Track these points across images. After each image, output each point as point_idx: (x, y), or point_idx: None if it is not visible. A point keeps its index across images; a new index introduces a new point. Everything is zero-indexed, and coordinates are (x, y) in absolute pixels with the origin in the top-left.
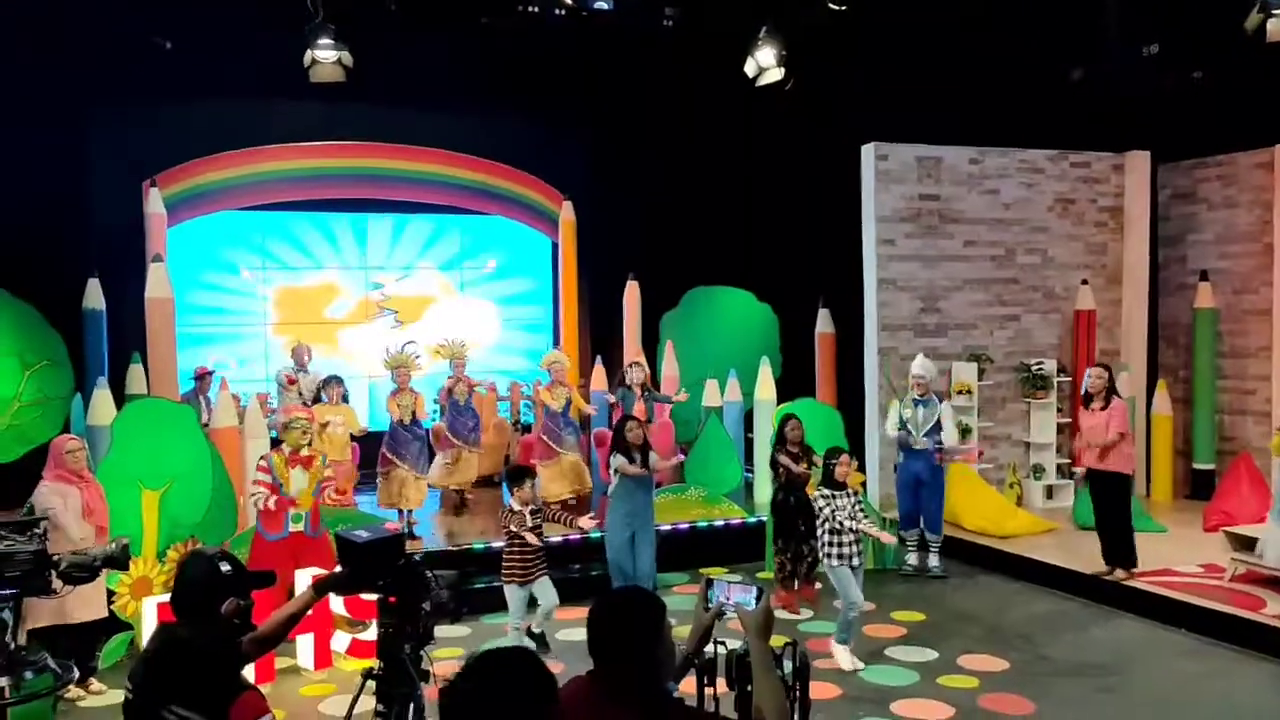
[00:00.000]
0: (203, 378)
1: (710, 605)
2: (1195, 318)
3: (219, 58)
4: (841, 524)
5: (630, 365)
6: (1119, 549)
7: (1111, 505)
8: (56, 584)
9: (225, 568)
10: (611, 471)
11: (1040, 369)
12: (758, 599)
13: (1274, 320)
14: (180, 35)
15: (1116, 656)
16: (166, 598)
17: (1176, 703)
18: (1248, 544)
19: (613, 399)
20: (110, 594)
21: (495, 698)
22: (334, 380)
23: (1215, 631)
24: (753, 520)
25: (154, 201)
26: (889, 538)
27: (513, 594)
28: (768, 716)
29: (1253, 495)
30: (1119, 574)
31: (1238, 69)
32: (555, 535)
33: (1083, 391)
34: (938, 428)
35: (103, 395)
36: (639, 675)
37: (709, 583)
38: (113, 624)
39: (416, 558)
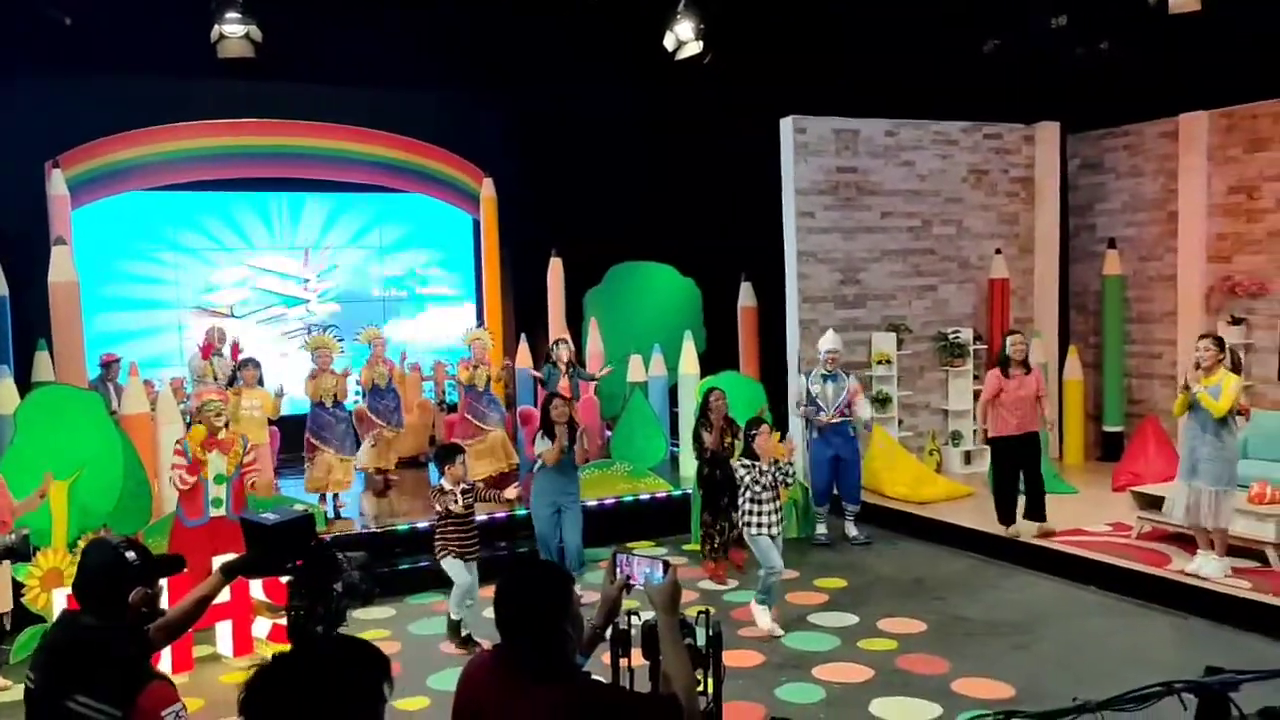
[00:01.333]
0: (109, 364)
1: (617, 579)
2: (1104, 285)
3: (122, 32)
4: (759, 494)
5: (555, 342)
6: (1041, 504)
7: (1035, 463)
8: None
9: (130, 555)
10: (536, 453)
11: (957, 337)
12: (664, 572)
13: (1178, 286)
14: (80, 9)
15: (1029, 614)
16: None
17: (1085, 657)
18: (1154, 503)
19: (538, 374)
20: (20, 586)
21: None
22: (249, 363)
23: (1123, 588)
24: (678, 494)
25: (56, 183)
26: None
27: (453, 566)
28: (676, 688)
29: (1159, 456)
30: (1038, 529)
31: (1142, 41)
32: (482, 514)
33: (1006, 358)
34: (847, 405)
35: (6, 384)
36: (546, 649)
37: (614, 557)
38: (23, 617)
39: (327, 539)
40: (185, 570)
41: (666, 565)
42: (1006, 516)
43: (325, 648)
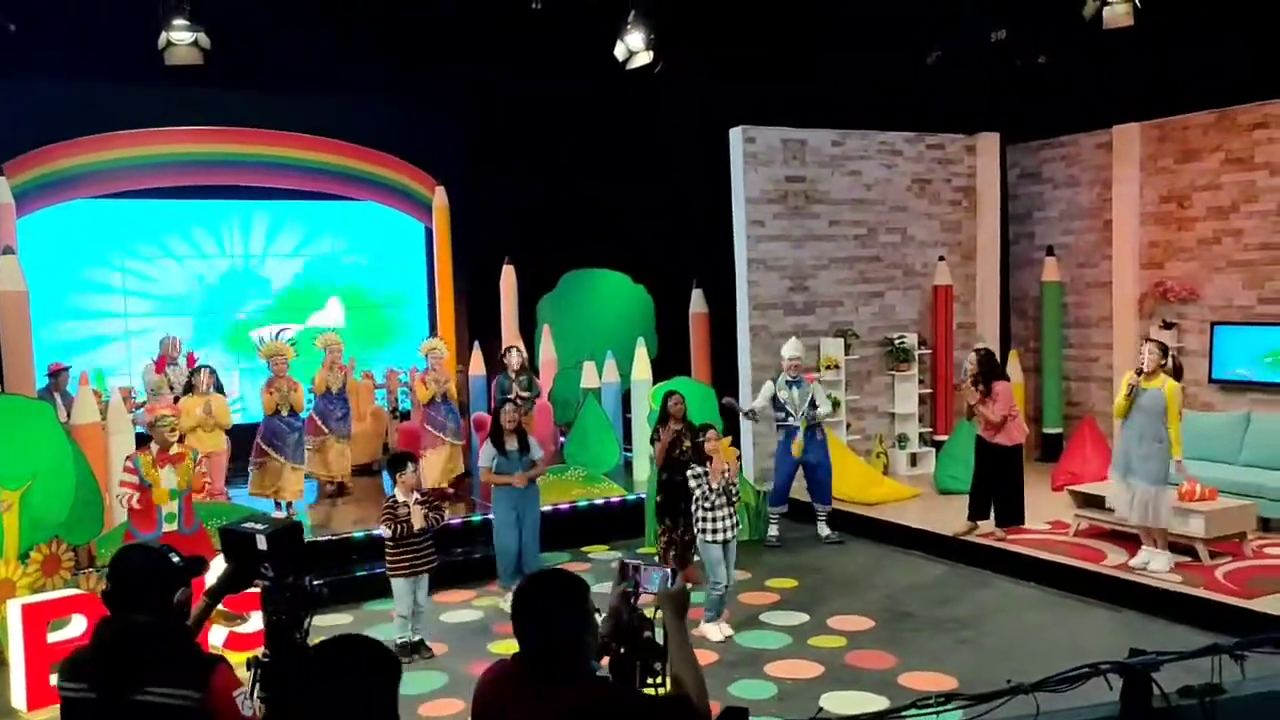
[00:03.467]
0: (57, 374)
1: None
2: (1043, 291)
3: (69, 38)
4: (713, 500)
5: (508, 349)
6: (1009, 511)
7: (1000, 473)
8: None
9: (175, 559)
10: (481, 464)
11: (903, 343)
12: (672, 578)
13: (1113, 292)
14: (26, 14)
15: (973, 610)
16: (33, 599)
17: (1025, 649)
18: (1092, 501)
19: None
20: None
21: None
22: (204, 369)
23: (1061, 583)
24: (632, 498)
25: (1, 191)
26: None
27: (398, 587)
28: (688, 690)
29: (1095, 456)
30: (997, 533)
31: (1078, 55)
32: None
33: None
34: (812, 405)
35: None
36: (565, 657)
37: (622, 566)
38: None
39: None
40: (208, 571)
41: (674, 572)
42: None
43: (360, 642)
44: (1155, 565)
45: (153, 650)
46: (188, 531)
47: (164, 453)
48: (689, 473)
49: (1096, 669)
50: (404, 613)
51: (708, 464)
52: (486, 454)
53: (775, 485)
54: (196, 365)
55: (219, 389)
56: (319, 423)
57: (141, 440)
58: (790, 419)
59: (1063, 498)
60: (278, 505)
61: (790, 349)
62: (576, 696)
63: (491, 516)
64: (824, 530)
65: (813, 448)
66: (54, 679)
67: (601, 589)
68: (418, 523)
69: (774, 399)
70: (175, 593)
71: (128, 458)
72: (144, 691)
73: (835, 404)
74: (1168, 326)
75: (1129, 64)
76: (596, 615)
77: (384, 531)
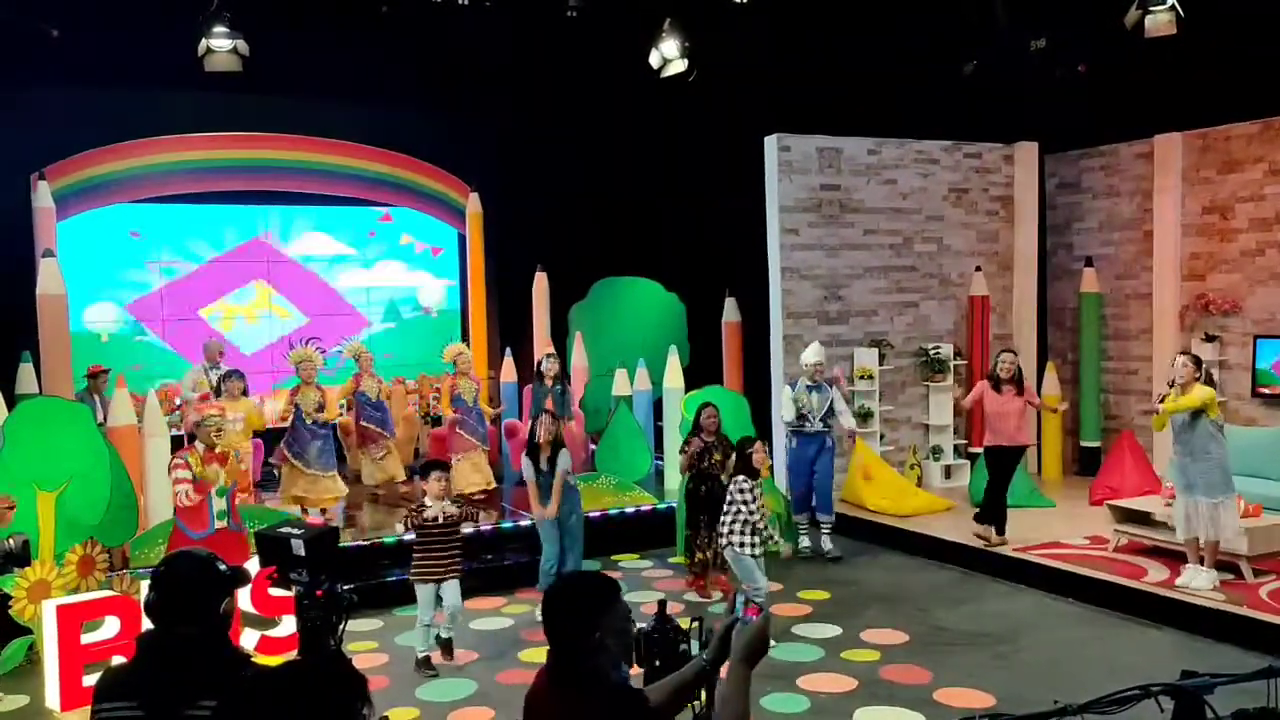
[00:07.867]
0: (96, 375)
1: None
2: (1081, 302)
3: (110, 45)
4: (748, 518)
5: (545, 357)
6: (998, 512)
7: (1008, 474)
8: None
9: (221, 567)
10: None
11: (938, 353)
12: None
13: (1154, 304)
14: (67, 21)
15: (1009, 626)
16: (68, 600)
17: (1064, 667)
18: (1131, 516)
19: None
20: (6, 597)
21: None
22: (234, 375)
23: (1100, 599)
24: (663, 507)
25: (42, 195)
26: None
27: (420, 592)
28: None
29: (1135, 470)
30: (994, 539)
31: (1119, 63)
32: (469, 527)
33: (994, 375)
34: (830, 412)
35: None
36: (582, 659)
37: (736, 594)
38: (10, 629)
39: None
40: (249, 583)
41: (766, 616)
42: (997, 527)
43: (300, 665)
44: (1198, 584)
45: (203, 662)
46: (236, 528)
47: (210, 451)
48: (733, 486)
49: (1147, 691)
50: (426, 620)
51: (758, 478)
52: (528, 470)
53: (796, 494)
54: (225, 372)
55: (245, 394)
56: (378, 429)
57: (178, 442)
58: (807, 425)
59: (1101, 512)
60: (307, 512)
61: (810, 354)
62: (596, 707)
63: (527, 523)
64: (827, 544)
65: (819, 452)
66: (92, 703)
67: (629, 597)
68: (437, 513)
69: (794, 403)
70: (222, 601)
71: (176, 455)
72: (198, 706)
73: (868, 415)
74: (1210, 339)
75: (1170, 73)
76: (630, 621)
77: (400, 528)
